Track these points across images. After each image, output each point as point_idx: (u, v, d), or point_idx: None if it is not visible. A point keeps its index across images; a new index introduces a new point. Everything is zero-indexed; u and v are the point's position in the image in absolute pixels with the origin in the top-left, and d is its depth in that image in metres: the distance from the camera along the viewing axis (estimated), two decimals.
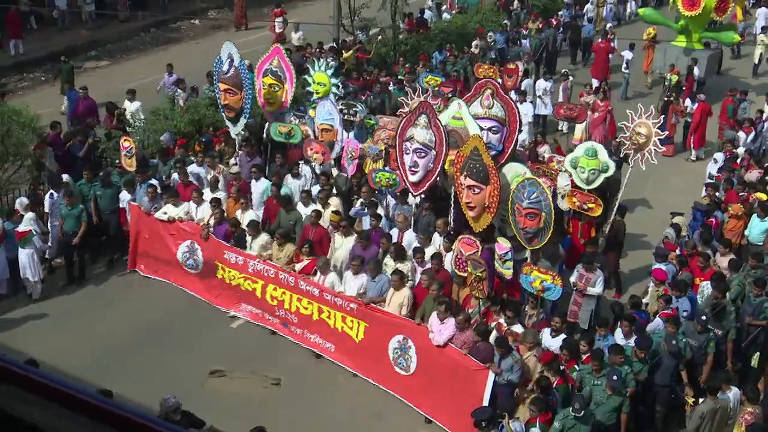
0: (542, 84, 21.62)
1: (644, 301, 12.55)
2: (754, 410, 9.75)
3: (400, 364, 11.86)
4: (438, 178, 13.86)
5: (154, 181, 15.16)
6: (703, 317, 11.17)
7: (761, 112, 19.83)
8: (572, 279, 12.45)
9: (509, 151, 14.04)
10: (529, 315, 11.62)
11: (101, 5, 30.06)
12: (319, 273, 12.69)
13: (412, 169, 13.50)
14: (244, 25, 30.14)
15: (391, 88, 20.43)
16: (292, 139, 15.81)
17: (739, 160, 17.10)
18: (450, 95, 17.44)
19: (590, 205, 13.36)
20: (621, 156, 15.53)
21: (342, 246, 13.40)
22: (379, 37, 24.71)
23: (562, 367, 10.43)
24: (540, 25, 27.21)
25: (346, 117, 16.38)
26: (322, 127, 16.11)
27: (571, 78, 23.03)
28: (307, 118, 16.85)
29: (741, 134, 18.70)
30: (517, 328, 11.17)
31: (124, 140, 15.45)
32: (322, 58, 22.00)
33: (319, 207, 14.11)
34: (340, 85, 17.73)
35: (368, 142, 15.48)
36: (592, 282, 12.28)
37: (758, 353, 11.61)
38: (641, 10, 29.04)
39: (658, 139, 14.22)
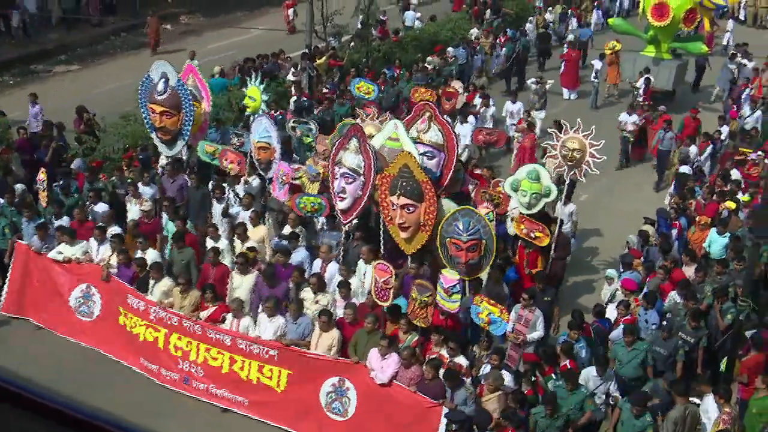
0: (510, 107, 20.68)
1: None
2: (731, 411, 9.84)
3: (335, 409, 10.87)
4: (370, 205, 13.23)
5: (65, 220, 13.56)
6: (665, 323, 11.30)
7: (719, 132, 19.75)
8: (508, 328, 11.33)
9: (447, 177, 13.31)
10: (479, 355, 11.02)
11: (73, 9, 29.82)
12: (232, 317, 11.39)
13: (340, 195, 12.69)
14: (156, 50, 27.57)
15: (335, 105, 19.39)
16: (217, 161, 15.02)
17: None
18: (375, 114, 16.28)
19: (538, 234, 12.77)
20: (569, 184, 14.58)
21: (241, 286, 12.04)
22: (352, 44, 24.72)
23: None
24: (502, 38, 27.12)
25: (299, 135, 15.98)
26: (258, 145, 14.67)
27: (549, 83, 23.23)
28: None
29: (692, 149, 18.66)
30: (461, 360, 10.61)
31: (41, 172, 14.22)
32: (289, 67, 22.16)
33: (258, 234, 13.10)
34: (300, 100, 18.07)
35: (309, 161, 14.65)
36: (532, 323, 11.39)
37: (726, 358, 11.72)
38: (611, 20, 29.26)
39: (595, 150, 13.61)
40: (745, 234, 14.00)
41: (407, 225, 11.87)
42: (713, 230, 14.20)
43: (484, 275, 12.01)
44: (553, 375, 10.64)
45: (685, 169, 17.44)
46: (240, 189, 14.84)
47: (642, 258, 13.76)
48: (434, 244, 12.23)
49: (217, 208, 14.25)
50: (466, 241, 11.24)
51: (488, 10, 30.88)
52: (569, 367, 10.66)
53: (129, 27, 30.49)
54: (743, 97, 22.29)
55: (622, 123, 20.30)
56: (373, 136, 13.57)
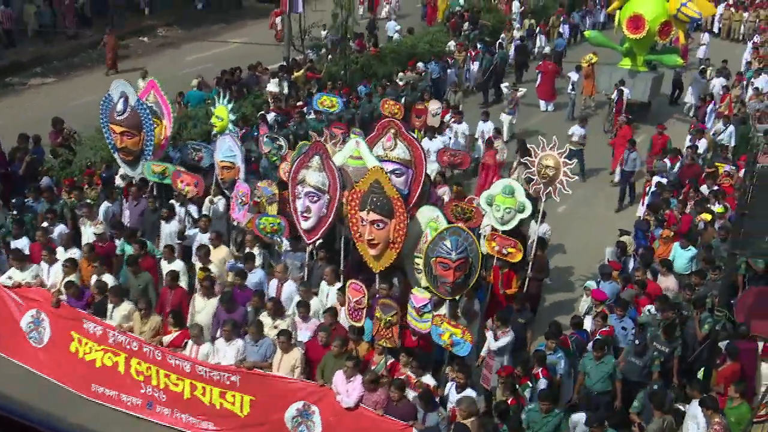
0: (482, 126, 20.35)
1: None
2: (721, 420, 9.85)
3: None
4: (335, 224, 12.96)
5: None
6: (637, 342, 11.29)
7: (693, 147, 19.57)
8: (483, 352, 11.47)
9: (416, 194, 13.09)
10: (451, 377, 10.65)
11: (49, 22, 29.67)
12: (191, 343, 11.00)
13: (304, 214, 12.39)
14: (114, 69, 26.99)
15: (309, 118, 18.87)
16: (167, 180, 14.54)
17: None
18: (342, 138, 15.92)
19: (510, 250, 12.54)
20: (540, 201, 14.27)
21: (204, 309, 11.72)
22: (329, 56, 24.73)
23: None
24: (472, 52, 27.14)
25: (270, 152, 15.75)
26: (222, 164, 14.40)
27: (521, 91, 23.33)
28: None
29: (666, 162, 18.79)
30: (428, 380, 10.38)
31: None
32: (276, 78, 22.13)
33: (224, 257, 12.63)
34: (273, 116, 18.06)
35: (263, 183, 14.26)
36: (500, 340, 11.33)
37: (703, 368, 11.78)
38: (587, 32, 29.49)
39: (568, 169, 13.52)
40: (719, 245, 14.12)
41: (376, 242, 11.56)
42: (676, 244, 14.12)
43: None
44: (528, 383, 10.65)
45: (661, 179, 17.50)
46: (205, 209, 14.44)
47: (620, 269, 13.81)
48: (404, 261, 12.09)
49: (165, 228, 13.82)
50: (455, 260, 10.79)
51: (466, 23, 31.02)
52: (542, 375, 10.70)
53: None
54: (708, 113, 22.26)
55: (570, 134, 20.25)
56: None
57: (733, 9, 38.46)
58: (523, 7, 34.97)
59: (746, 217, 10.34)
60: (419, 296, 10.99)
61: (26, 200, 14.52)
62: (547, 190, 13.50)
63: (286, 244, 13.26)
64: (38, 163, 16.34)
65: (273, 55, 25.38)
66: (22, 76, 26.18)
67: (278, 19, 30.24)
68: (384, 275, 11.95)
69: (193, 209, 14.25)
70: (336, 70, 24.18)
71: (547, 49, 28.94)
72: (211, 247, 12.88)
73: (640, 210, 17.27)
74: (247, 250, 13.05)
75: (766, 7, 38.29)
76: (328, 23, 24.68)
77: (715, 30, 37.48)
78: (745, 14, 37.66)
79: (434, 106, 20.48)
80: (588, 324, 12.37)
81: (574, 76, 25.16)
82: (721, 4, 38.63)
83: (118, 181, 15.59)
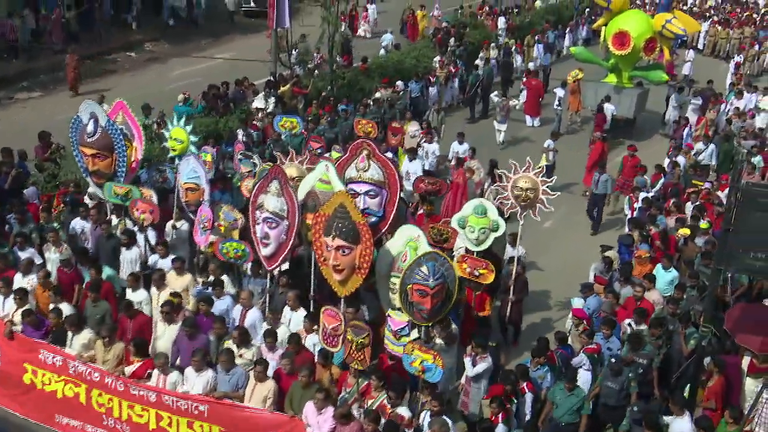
0: (456, 147, 19.92)
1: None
2: None
3: None
4: (301, 248, 12.86)
5: None
6: (613, 360, 11.24)
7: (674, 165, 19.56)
8: (462, 380, 11.31)
9: (391, 216, 12.91)
10: (422, 401, 10.48)
11: (35, 36, 29.60)
12: (158, 372, 10.62)
13: (264, 240, 12.09)
14: (76, 90, 26.17)
15: (283, 136, 18.07)
16: (129, 202, 13.98)
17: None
18: (319, 152, 15.95)
19: (481, 271, 12.16)
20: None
21: (164, 335, 11.45)
22: (316, 72, 24.76)
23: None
24: (449, 70, 27.19)
25: (264, 166, 15.15)
26: (186, 186, 13.97)
27: (514, 101, 23.44)
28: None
29: (647, 178, 18.73)
30: (403, 411, 10.08)
31: None
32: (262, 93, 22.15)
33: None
34: (248, 133, 17.99)
35: (226, 208, 13.86)
36: (479, 365, 11.20)
37: (689, 384, 11.79)
38: (573, 48, 29.76)
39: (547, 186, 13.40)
40: (700, 261, 14.20)
41: (341, 267, 11.26)
42: (659, 266, 14.03)
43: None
44: (514, 399, 10.63)
45: (643, 194, 17.56)
46: (167, 234, 14.09)
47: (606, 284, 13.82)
48: (378, 284, 11.91)
49: (126, 255, 13.35)
50: (433, 287, 10.58)
51: (451, 39, 31.15)
52: (527, 390, 10.74)
53: (92, 55, 30.27)
54: (684, 137, 22.19)
55: (546, 146, 20.36)
56: (294, 178, 13.24)
57: (718, 26, 38.79)
58: (508, 23, 35.15)
59: (731, 233, 10.38)
60: (397, 319, 10.90)
61: (9, 215, 14.31)
62: (525, 213, 13.40)
63: (249, 267, 13.01)
64: (24, 178, 16.23)
65: (260, 71, 25.41)
66: (8, 91, 26.08)
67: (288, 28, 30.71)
68: (349, 299, 11.64)
69: (151, 235, 13.80)
70: (323, 85, 24.20)
71: (531, 66, 29.06)
72: (174, 273, 12.60)
73: (627, 225, 17.28)
74: (212, 277, 12.61)
75: (751, 25, 38.61)
76: (315, 39, 24.73)
77: (700, 47, 37.79)
78: (730, 31, 37.99)
79: (413, 128, 20.16)
80: (575, 342, 12.35)
81: (560, 92, 25.30)
82: (705, 22, 38.98)
83: (87, 201, 15.13)
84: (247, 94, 22.90)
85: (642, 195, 17.36)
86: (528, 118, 26.12)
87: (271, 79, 23.45)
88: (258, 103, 21.67)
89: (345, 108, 21.69)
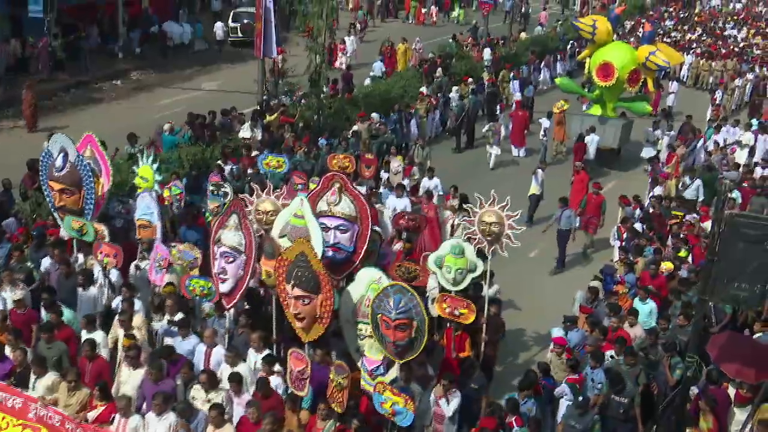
0: (426, 183, 19.35)
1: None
2: None
3: None
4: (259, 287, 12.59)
5: None
6: (580, 398, 11.17)
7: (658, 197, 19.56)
8: (433, 421, 11.07)
9: (362, 251, 12.52)
10: None
11: (21, 65, 29.59)
12: (119, 416, 10.24)
13: (221, 276, 11.76)
14: (34, 127, 25.58)
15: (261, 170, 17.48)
16: (85, 237, 13.59)
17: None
18: (299, 187, 15.73)
19: (462, 311, 11.99)
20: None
21: (129, 380, 11.04)
22: (303, 101, 24.83)
23: None
24: (434, 101, 27.12)
25: (210, 207, 15.01)
26: (140, 222, 13.78)
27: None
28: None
29: (629, 209, 18.84)
30: None
31: None
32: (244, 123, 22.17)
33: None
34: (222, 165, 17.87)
35: (185, 246, 13.47)
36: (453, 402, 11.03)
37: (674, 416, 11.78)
38: (558, 79, 30.02)
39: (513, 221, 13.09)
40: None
41: (302, 316, 11.00)
42: (636, 299, 13.98)
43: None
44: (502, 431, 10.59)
45: (637, 225, 17.62)
46: (131, 275, 13.59)
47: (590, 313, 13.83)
48: (342, 327, 11.72)
49: (83, 296, 12.90)
50: (394, 320, 10.46)
51: (438, 69, 31.34)
52: (516, 425, 10.62)
53: (78, 83, 30.34)
54: (658, 172, 22.09)
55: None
56: (269, 212, 13.06)
57: (701, 59, 39.23)
58: (494, 55, 35.41)
59: (715, 264, 10.43)
60: (371, 358, 10.82)
61: None
62: (493, 247, 13.09)
63: (208, 306, 12.57)
64: (8, 207, 16.12)
65: (247, 100, 25.50)
66: None
67: (279, 57, 30.80)
68: (314, 342, 11.33)
69: (114, 275, 13.26)
70: (309, 114, 24.27)
71: (518, 96, 29.24)
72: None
73: (615, 254, 17.31)
74: (167, 317, 12.20)
75: (733, 58, 39.06)
76: (302, 68, 24.87)
77: (683, 78, 38.17)
78: (713, 64, 38.41)
79: (395, 163, 19.98)
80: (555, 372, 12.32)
81: (545, 122, 25.48)
82: (689, 54, 39.42)
83: (63, 233, 14.55)
84: (234, 124, 22.92)
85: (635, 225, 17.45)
86: (513, 148, 26.28)
87: (258, 108, 23.50)
88: (244, 132, 21.68)
89: (327, 141, 21.47)
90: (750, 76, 35.71)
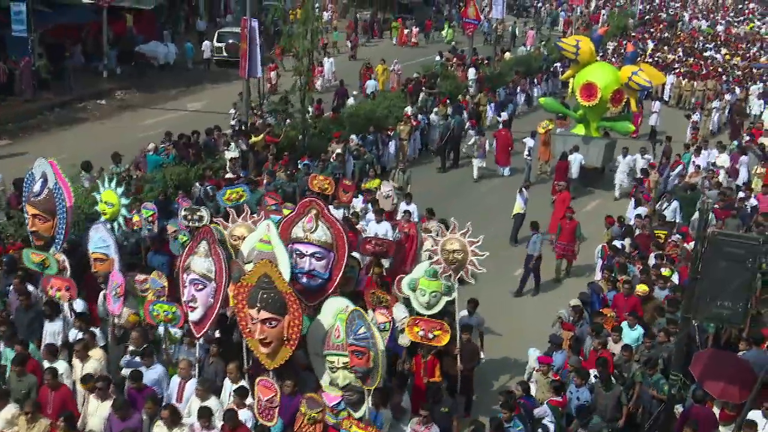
0: (404, 206, 18.71)
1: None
2: None
3: None
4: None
5: None
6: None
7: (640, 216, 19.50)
8: None
9: (337, 278, 12.18)
10: None
11: (6, 85, 29.51)
12: None
13: (190, 304, 11.35)
14: None
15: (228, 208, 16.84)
16: (48, 270, 13.23)
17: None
18: (273, 207, 15.51)
19: (436, 333, 11.89)
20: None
21: (97, 412, 10.73)
22: (288, 121, 24.85)
23: None
24: (414, 123, 26.89)
25: (189, 224, 14.55)
26: (95, 255, 13.25)
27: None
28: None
29: (615, 228, 18.87)
30: None
31: None
32: (231, 142, 22.17)
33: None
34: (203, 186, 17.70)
35: (153, 274, 13.06)
36: None
37: None
38: (542, 99, 30.22)
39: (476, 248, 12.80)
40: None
41: (269, 340, 10.63)
42: (624, 324, 13.95)
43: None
44: None
45: (617, 243, 17.68)
46: (100, 305, 13.21)
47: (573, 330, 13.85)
48: (310, 358, 11.46)
49: (48, 328, 12.50)
50: (350, 344, 10.40)
51: (422, 89, 31.46)
52: None
53: (62, 102, 30.26)
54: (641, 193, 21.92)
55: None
56: (243, 237, 12.80)
57: (682, 79, 39.57)
58: (478, 74, 35.62)
59: (698, 282, 10.50)
60: (331, 394, 10.68)
61: None
62: (459, 275, 12.78)
63: (177, 333, 12.29)
64: None
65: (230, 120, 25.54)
66: None
67: (273, 74, 31.40)
68: (279, 371, 11.02)
69: (79, 304, 13.03)
70: (294, 134, 24.30)
71: (505, 115, 29.38)
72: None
73: (598, 273, 17.35)
74: (131, 347, 11.87)
75: (713, 78, 39.43)
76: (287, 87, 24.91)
77: (666, 98, 38.48)
78: (695, 84, 38.74)
79: (386, 188, 19.67)
80: (534, 390, 12.27)
81: (529, 142, 25.60)
82: (670, 74, 39.77)
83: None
84: (219, 143, 22.90)
85: (615, 243, 17.49)
86: (499, 168, 26.39)
87: (237, 128, 23.49)
88: (231, 154, 21.66)
89: (307, 163, 21.23)
90: (728, 97, 35.88)
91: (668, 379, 12.07)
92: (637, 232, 18.59)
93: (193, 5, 47.15)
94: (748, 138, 28.17)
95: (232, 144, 22.12)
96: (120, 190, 14.44)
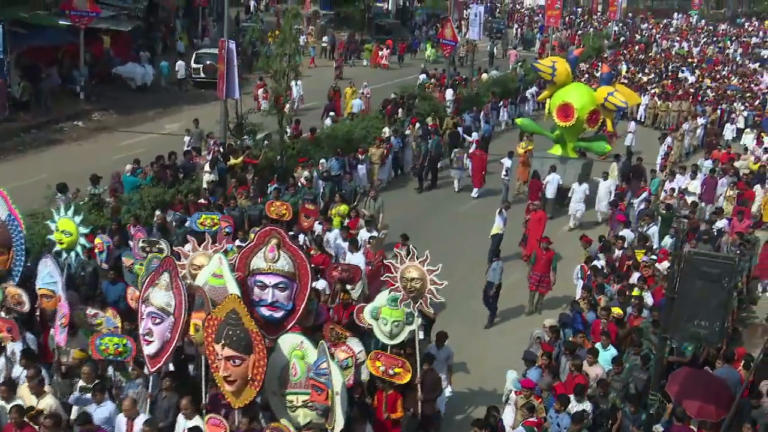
0: (363, 235, 18.15)
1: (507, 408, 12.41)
2: None
3: None
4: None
5: None
6: None
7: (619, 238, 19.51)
8: None
9: (300, 308, 11.59)
10: None
11: None
12: None
13: (146, 338, 10.92)
14: None
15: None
16: None
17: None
18: (227, 231, 15.25)
19: (397, 370, 11.66)
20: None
21: None
22: (266, 142, 24.85)
23: None
24: (386, 148, 26.38)
25: (150, 256, 13.77)
26: (41, 292, 12.71)
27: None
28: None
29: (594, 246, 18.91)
30: None
31: None
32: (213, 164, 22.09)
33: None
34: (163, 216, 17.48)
35: (108, 312, 12.68)
36: None
37: None
38: (519, 119, 30.41)
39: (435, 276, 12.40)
40: (648, 326, 14.36)
41: (233, 378, 10.19)
42: (598, 344, 13.94)
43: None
44: None
45: (597, 263, 17.75)
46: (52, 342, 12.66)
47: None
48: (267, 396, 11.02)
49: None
50: (309, 378, 10.15)
51: (399, 110, 31.55)
52: None
53: (39, 124, 30.08)
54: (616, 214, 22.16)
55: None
56: (204, 266, 12.17)
57: (657, 99, 39.98)
58: (456, 95, 35.80)
59: (675, 302, 10.57)
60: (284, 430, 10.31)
61: None
62: (417, 304, 12.41)
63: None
64: None
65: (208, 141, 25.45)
66: None
67: (260, 91, 31.44)
68: (245, 408, 10.54)
69: (30, 339, 12.59)
70: (272, 155, 24.29)
71: (475, 135, 29.53)
72: (28, 391, 11.27)
73: (578, 293, 17.39)
74: (81, 383, 11.41)
75: (688, 99, 39.87)
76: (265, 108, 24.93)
77: (640, 118, 38.83)
78: (670, 104, 39.15)
79: (365, 235, 18.54)
80: (508, 415, 12.15)
81: (507, 162, 25.72)
82: (645, 94, 40.19)
83: None
84: (196, 165, 22.85)
85: (594, 263, 17.57)
86: (474, 190, 26.50)
87: (222, 150, 23.45)
88: (210, 177, 21.60)
89: (276, 187, 20.96)
90: (701, 120, 36.09)
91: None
92: (618, 253, 18.60)
93: (171, 26, 47.19)
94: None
95: (210, 165, 22.06)
96: (78, 218, 14.03)
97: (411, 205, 24.64)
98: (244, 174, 22.11)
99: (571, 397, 12.13)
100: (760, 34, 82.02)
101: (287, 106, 25.18)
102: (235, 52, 24.34)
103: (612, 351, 13.78)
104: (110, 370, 11.85)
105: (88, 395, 11.13)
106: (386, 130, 28.53)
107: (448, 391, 13.68)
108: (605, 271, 17.44)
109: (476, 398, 14.48)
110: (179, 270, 11.22)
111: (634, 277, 17.07)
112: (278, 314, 11.20)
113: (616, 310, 14.89)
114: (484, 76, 43.16)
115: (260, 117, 25.69)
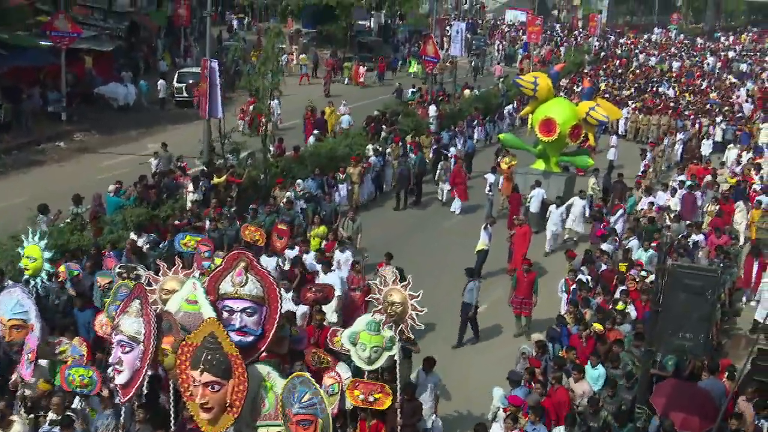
0: (338, 256, 17.98)
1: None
2: None
3: None
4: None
5: None
6: None
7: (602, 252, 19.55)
8: None
9: (270, 334, 11.17)
10: None
11: None
12: None
13: (116, 367, 10.57)
14: None
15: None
16: None
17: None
18: (206, 254, 15.17)
19: (376, 396, 11.49)
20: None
21: None
22: (249, 161, 24.82)
23: None
24: (363, 167, 25.96)
25: (125, 280, 13.45)
26: (11, 323, 12.11)
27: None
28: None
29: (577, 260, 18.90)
30: None
31: None
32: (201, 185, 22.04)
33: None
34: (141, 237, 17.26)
35: (76, 341, 12.44)
36: None
37: None
38: (501, 135, 30.47)
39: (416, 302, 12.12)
40: (631, 340, 14.35)
41: (210, 405, 9.84)
42: (588, 365, 13.89)
43: None
44: None
45: (581, 276, 17.80)
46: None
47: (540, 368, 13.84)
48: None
49: None
50: (295, 414, 9.77)
51: (383, 126, 31.61)
52: None
53: (20, 145, 29.97)
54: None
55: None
56: (175, 292, 11.85)
57: (638, 113, 40.26)
58: (439, 112, 35.91)
59: (660, 315, 10.63)
60: None
61: None
62: (399, 329, 12.14)
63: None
64: None
65: (191, 161, 25.44)
66: None
67: (251, 108, 30.99)
68: None
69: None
70: (256, 173, 24.26)
71: (453, 151, 29.61)
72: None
73: (563, 307, 17.42)
74: (51, 416, 11.12)
75: (668, 113, 40.14)
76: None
77: (621, 131, 39.03)
78: (651, 118, 39.42)
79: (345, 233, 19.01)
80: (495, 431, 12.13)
81: (490, 177, 25.82)
82: (625, 108, 40.45)
83: None
84: (180, 185, 22.78)
85: (579, 277, 17.60)
86: (456, 204, 26.55)
87: (205, 169, 23.42)
88: (194, 197, 21.55)
89: (254, 208, 20.81)
90: (680, 136, 36.19)
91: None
92: (603, 267, 18.63)
93: (153, 46, 47.17)
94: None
95: (194, 185, 22.01)
96: (43, 243, 13.84)
97: (393, 223, 24.64)
98: (227, 193, 22.06)
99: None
100: (737, 48, 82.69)
101: (270, 124, 25.15)
102: (217, 71, 24.34)
103: (600, 370, 13.69)
104: (77, 402, 11.63)
105: (57, 429, 10.90)
106: (369, 147, 28.50)
107: (437, 424, 13.32)
108: (589, 284, 17.48)
109: (462, 419, 14.38)
110: (149, 296, 10.97)
111: (618, 290, 17.10)
112: (247, 340, 10.79)
113: (597, 326, 14.84)
114: (467, 92, 43.34)
115: (243, 136, 25.68)
